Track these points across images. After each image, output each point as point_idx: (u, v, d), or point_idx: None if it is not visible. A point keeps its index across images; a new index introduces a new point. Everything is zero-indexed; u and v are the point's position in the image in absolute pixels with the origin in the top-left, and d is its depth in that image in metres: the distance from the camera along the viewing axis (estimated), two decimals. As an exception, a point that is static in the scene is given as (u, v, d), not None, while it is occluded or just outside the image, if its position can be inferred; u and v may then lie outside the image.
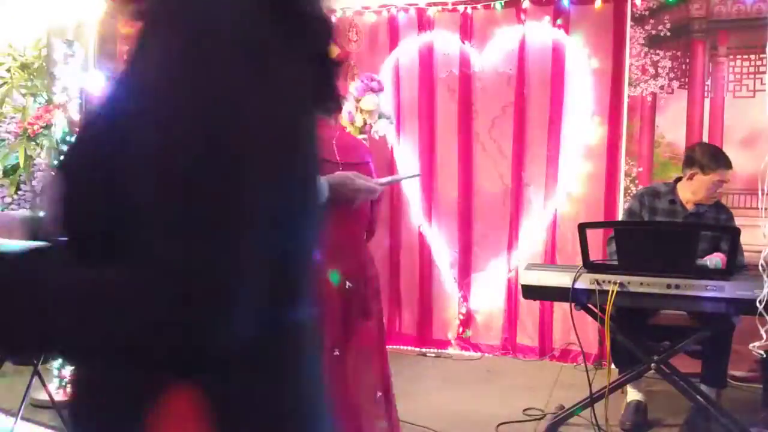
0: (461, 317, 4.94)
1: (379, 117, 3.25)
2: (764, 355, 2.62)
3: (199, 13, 0.70)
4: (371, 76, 3.35)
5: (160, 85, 0.69)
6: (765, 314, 2.51)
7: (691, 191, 3.60)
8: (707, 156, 3.56)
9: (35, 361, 3.13)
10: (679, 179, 3.69)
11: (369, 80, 3.23)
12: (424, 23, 4.95)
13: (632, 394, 3.52)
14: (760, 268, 2.43)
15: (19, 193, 4.29)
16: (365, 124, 3.22)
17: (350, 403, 2.20)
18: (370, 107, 3.16)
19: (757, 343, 2.49)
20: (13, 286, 0.71)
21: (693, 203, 3.60)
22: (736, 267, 3.07)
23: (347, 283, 2.24)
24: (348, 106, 3.18)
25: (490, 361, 4.72)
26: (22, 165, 4.20)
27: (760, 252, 2.45)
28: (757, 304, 2.52)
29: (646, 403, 3.52)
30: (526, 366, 4.60)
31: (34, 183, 4.29)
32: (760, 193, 2.37)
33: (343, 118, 3.15)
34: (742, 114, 4.33)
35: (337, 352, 2.18)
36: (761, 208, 2.37)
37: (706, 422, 3.29)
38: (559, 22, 4.67)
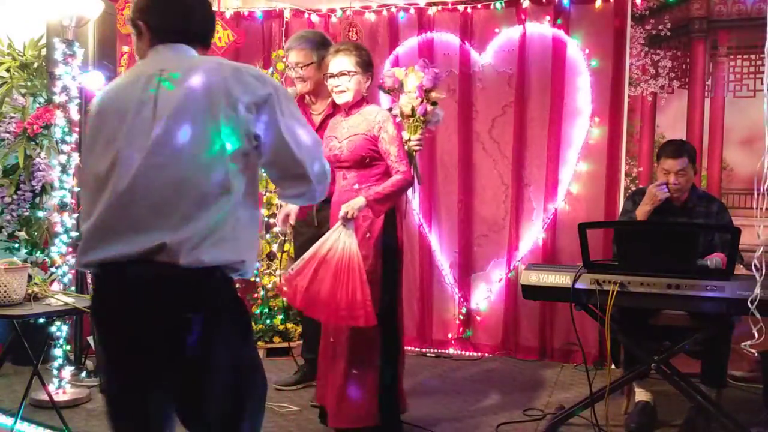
0: (461, 317, 4.93)
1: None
2: (755, 354, 2.63)
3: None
4: (427, 62, 3.06)
5: None
6: (757, 313, 2.51)
7: None
8: (660, 148, 3.74)
9: (35, 362, 3.13)
10: None
11: (427, 66, 2.99)
12: (424, 23, 4.95)
13: (640, 395, 3.51)
14: (753, 268, 2.42)
15: (19, 192, 4.29)
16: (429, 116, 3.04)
17: None
18: (440, 97, 3.00)
19: (748, 342, 2.49)
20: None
21: (680, 199, 3.60)
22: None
23: None
24: (407, 99, 2.96)
25: (490, 361, 4.72)
26: (21, 165, 4.20)
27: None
28: (749, 304, 2.51)
29: (655, 404, 3.50)
30: (526, 366, 4.59)
31: (33, 183, 4.28)
32: (755, 192, 2.36)
33: (397, 110, 2.99)
34: (742, 114, 4.34)
35: None
36: (756, 208, 2.36)
37: (706, 422, 3.28)
38: (559, 21, 4.66)
